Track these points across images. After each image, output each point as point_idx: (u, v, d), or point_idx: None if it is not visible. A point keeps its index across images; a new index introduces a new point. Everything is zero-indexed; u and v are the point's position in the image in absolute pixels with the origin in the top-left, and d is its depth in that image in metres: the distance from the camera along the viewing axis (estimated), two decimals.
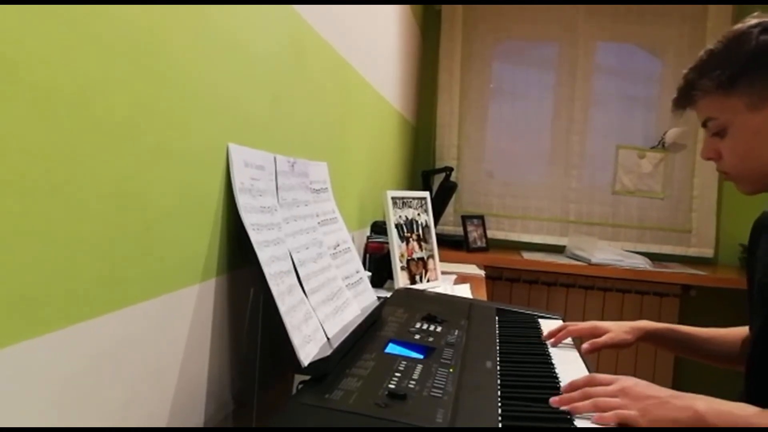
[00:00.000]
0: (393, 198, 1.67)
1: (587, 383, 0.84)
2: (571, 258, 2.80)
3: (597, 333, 1.16)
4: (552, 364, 0.98)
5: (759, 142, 0.94)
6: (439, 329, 1.04)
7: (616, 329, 1.16)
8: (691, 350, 1.21)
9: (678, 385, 2.68)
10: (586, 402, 0.79)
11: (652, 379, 0.84)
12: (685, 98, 1.01)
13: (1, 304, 0.47)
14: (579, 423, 0.77)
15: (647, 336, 1.18)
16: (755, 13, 0.94)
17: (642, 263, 2.66)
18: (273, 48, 1.00)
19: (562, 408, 0.79)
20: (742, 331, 1.17)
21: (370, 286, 1.16)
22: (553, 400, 0.80)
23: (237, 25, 0.86)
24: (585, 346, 1.12)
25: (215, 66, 0.80)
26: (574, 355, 1.10)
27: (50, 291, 0.52)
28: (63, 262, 0.53)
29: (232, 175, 0.82)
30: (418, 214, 1.77)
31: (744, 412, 0.78)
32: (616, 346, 1.15)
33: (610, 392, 0.81)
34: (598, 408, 0.78)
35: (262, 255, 0.79)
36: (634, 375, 0.85)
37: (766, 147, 0.94)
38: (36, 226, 0.50)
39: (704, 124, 1.00)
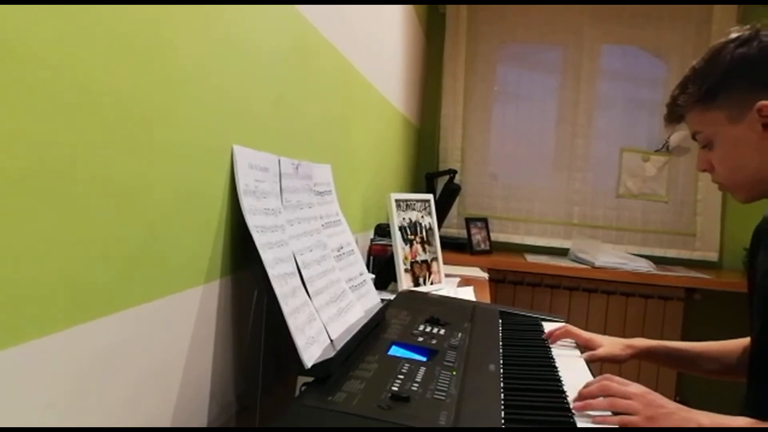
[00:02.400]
0: (397, 200, 1.67)
1: (603, 380, 0.87)
2: (574, 261, 2.80)
3: (592, 346, 1.19)
4: (555, 368, 0.98)
5: (742, 152, 0.96)
6: (442, 332, 1.04)
7: (611, 345, 1.19)
8: (685, 365, 1.24)
9: (681, 393, 2.68)
10: (602, 400, 0.83)
11: (655, 389, 0.86)
12: (672, 114, 1.04)
13: (7, 305, 0.47)
14: (581, 424, 0.78)
15: (641, 354, 1.20)
16: (735, 27, 0.96)
17: (646, 266, 2.66)
18: (277, 50, 1.00)
19: (576, 405, 0.82)
20: (737, 342, 1.18)
21: (373, 288, 1.16)
22: (576, 407, 0.83)
23: (242, 27, 0.86)
24: (584, 356, 1.15)
25: (220, 67, 0.81)
26: (578, 358, 1.11)
27: (55, 291, 0.52)
28: (67, 262, 0.53)
29: (236, 177, 0.83)
30: (422, 217, 1.77)
31: (744, 425, 0.81)
32: (611, 360, 1.18)
33: (627, 393, 0.84)
34: (613, 407, 0.82)
35: (266, 256, 0.79)
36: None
37: (750, 157, 0.95)
38: (41, 226, 0.50)
39: (694, 137, 1.03)
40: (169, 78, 0.68)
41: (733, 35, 0.95)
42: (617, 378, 0.87)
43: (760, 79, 0.92)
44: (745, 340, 1.14)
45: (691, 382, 2.67)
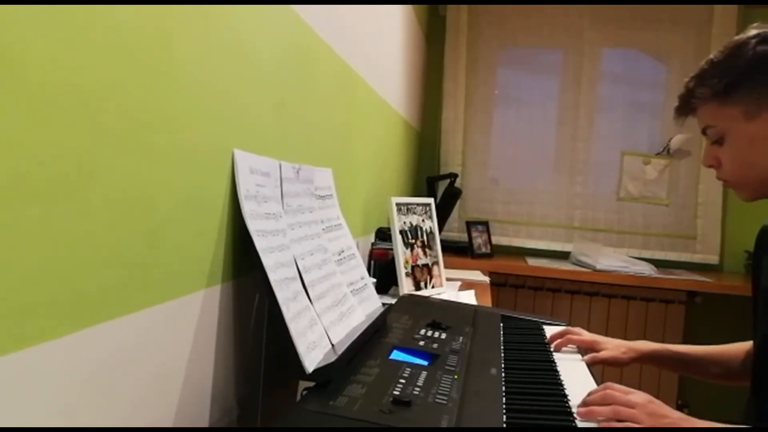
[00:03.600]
0: (397, 204, 1.67)
1: (605, 389, 0.85)
2: (575, 264, 2.79)
3: (595, 348, 1.18)
4: (557, 371, 0.98)
5: (756, 149, 0.95)
6: (443, 336, 1.04)
7: (614, 348, 1.18)
8: (688, 369, 1.23)
9: (683, 397, 2.67)
10: (606, 408, 0.81)
11: (657, 393, 0.85)
12: (685, 106, 1.03)
13: (10, 310, 0.47)
14: (581, 425, 0.78)
15: (644, 358, 1.19)
16: (755, 24, 0.96)
17: (647, 270, 2.65)
18: (278, 54, 1.01)
19: (580, 411, 0.81)
20: (740, 346, 1.18)
21: (374, 292, 1.16)
22: (579, 412, 0.82)
23: (243, 31, 0.86)
24: (585, 358, 1.14)
25: (221, 71, 0.81)
26: (579, 362, 1.10)
27: (58, 297, 0.52)
28: (70, 267, 0.54)
29: (237, 182, 0.83)
30: (423, 221, 1.77)
31: None
32: (613, 363, 1.17)
33: (630, 402, 0.82)
34: (616, 415, 0.80)
35: (267, 261, 0.80)
36: (639, 388, 0.86)
37: (763, 155, 0.95)
38: (44, 232, 0.50)
39: (704, 132, 1.02)
40: (171, 83, 0.68)
41: (753, 32, 0.95)
42: (619, 386, 0.86)
43: None
44: (748, 344, 1.14)
45: (693, 386, 2.66)
